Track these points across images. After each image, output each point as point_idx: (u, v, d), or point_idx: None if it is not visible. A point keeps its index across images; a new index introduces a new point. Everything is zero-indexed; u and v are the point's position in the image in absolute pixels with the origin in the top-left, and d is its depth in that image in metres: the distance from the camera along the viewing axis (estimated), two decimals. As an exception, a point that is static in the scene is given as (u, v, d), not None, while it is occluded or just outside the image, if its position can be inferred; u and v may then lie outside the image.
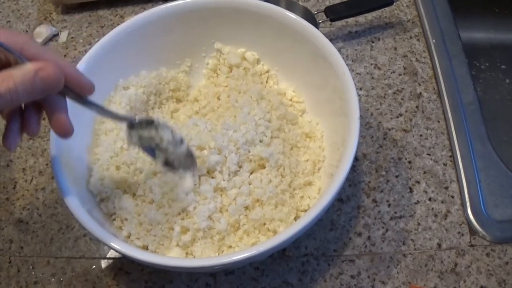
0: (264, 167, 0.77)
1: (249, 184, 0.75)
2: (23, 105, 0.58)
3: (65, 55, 1.05)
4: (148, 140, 0.68)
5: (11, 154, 0.92)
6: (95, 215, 0.69)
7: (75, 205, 0.66)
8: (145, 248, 0.72)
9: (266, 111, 0.81)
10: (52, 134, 0.69)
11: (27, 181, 0.89)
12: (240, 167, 0.77)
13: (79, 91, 0.59)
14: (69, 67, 0.57)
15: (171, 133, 0.69)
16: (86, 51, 0.79)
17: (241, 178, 0.75)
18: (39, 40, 1.06)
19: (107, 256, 0.82)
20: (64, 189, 0.66)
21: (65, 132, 0.59)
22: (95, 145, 0.79)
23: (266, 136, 0.78)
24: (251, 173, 0.77)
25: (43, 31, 1.07)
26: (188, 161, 0.72)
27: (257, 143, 0.78)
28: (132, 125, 0.67)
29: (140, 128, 0.68)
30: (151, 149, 0.70)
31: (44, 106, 0.58)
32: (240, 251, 0.63)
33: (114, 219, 0.74)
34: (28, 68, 0.51)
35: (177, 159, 0.70)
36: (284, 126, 0.82)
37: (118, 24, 0.82)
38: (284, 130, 0.81)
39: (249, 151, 0.77)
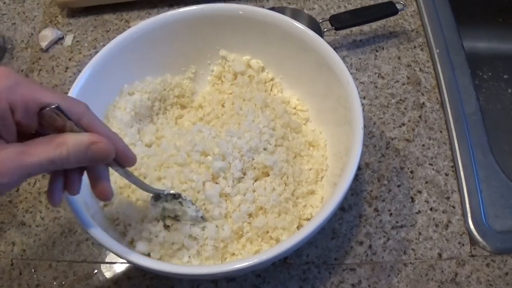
0: (268, 175, 0.77)
1: (253, 192, 0.75)
2: None
3: (70, 59, 1.05)
4: (170, 212, 0.73)
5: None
6: (98, 220, 0.69)
7: (78, 209, 0.66)
8: (148, 254, 0.72)
9: (270, 119, 0.82)
10: None
11: (30, 184, 0.90)
12: (244, 174, 0.77)
13: (123, 163, 0.62)
14: (118, 141, 0.59)
15: (195, 210, 0.72)
16: (91, 55, 0.80)
17: (245, 185, 0.76)
18: (44, 43, 1.06)
19: (109, 261, 0.82)
20: (67, 194, 0.66)
21: (106, 197, 0.61)
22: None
23: (270, 144, 0.79)
24: (255, 181, 0.77)
25: (48, 34, 1.07)
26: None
27: (261, 151, 0.78)
28: (158, 196, 0.71)
29: (165, 200, 0.72)
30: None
31: (88, 171, 0.60)
32: (243, 259, 0.63)
33: (118, 224, 0.74)
34: (83, 139, 0.53)
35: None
36: (288, 134, 0.82)
37: (124, 29, 0.83)
38: (288, 139, 0.82)
39: (253, 159, 0.77)
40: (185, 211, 0.71)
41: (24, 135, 0.52)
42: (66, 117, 0.52)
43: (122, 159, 0.61)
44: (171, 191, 0.71)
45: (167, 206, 0.72)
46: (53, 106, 0.51)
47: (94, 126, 0.56)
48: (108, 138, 0.56)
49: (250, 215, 0.74)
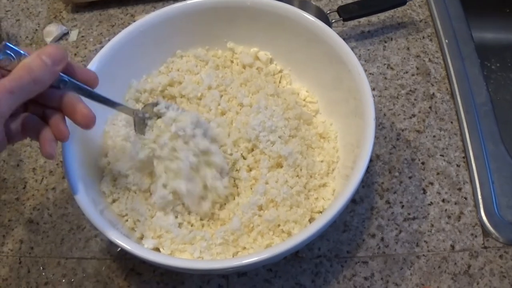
0: (281, 166, 0.77)
1: (266, 184, 0.74)
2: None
3: (75, 54, 1.05)
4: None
5: (21, 153, 0.92)
6: (107, 216, 0.68)
7: (87, 205, 0.65)
8: (158, 249, 0.71)
9: (283, 108, 0.81)
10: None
11: (37, 181, 0.89)
12: (257, 161, 0.77)
13: (86, 82, 0.63)
14: (72, 61, 0.61)
15: (175, 109, 0.72)
16: (96, 50, 0.80)
17: (259, 172, 0.76)
18: (49, 39, 1.05)
19: (119, 257, 0.81)
20: (76, 190, 0.66)
21: (89, 119, 0.61)
22: (106, 146, 0.79)
23: (284, 133, 0.78)
24: (269, 171, 0.76)
25: (53, 30, 1.07)
26: None
27: (277, 139, 0.77)
28: (138, 116, 0.71)
29: (147, 118, 0.72)
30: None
31: (63, 108, 0.61)
32: (254, 253, 0.62)
33: (127, 220, 0.74)
34: (33, 54, 0.56)
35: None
36: (300, 125, 0.81)
37: (129, 23, 0.82)
38: (300, 130, 0.81)
39: (269, 140, 0.77)
40: (169, 117, 0.71)
41: None
42: (16, 52, 0.55)
43: (82, 75, 0.62)
44: (148, 104, 0.72)
45: (153, 125, 0.72)
46: (3, 45, 0.55)
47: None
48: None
49: (260, 207, 0.74)
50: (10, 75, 0.54)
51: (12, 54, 0.55)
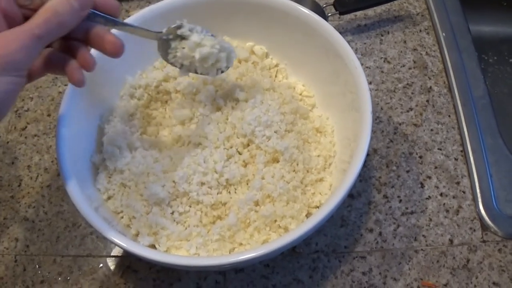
0: (278, 161, 0.76)
1: (262, 179, 0.74)
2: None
3: (69, 51, 1.04)
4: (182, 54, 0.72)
5: (16, 151, 0.91)
6: (102, 213, 0.68)
7: (81, 203, 0.65)
8: (154, 246, 0.71)
9: (280, 103, 0.81)
10: (59, 129, 0.69)
11: (32, 178, 0.88)
12: (252, 156, 0.76)
13: (109, 11, 0.62)
14: None
15: (200, 31, 0.72)
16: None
17: (255, 168, 0.75)
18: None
19: (115, 254, 0.81)
20: (70, 187, 0.66)
21: (119, 46, 0.62)
22: (100, 142, 0.78)
23: (280, 128, 0.77)
24: (265, 167, 0.76)
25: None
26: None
27: (272, 134, 0.76)
28: (165, 41, 0.71)
29: (171, 41, 0.72)
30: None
31: (90, 39, 0.61)
32: (250, 249, 0.62)
33: (122, 217, 0.73)
34: None
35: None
36: (297, 120, 0.81)
37: (124, 19, 0.81)
38: (297, 124, 0.80)
39: (265, 135, 0.76)
40: (193, 41, 0.71)
41: None
42: None
43: (105, 6, 0.62)
44: (172, 26, 0.71)
45: (177, 47, 0.72)
46: None
47: None
48: None
49: (256, 203, 0.73)
50: (37, 18, 0.53)
51: None
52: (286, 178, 0.74)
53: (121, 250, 0.80)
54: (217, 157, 0.74)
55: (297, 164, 0.76)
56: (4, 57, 0.51)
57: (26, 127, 0.94)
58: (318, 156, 0.79)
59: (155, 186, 0.71)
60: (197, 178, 0.73)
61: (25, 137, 0.92)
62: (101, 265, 0.80)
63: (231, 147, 0.76)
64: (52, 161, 0.90)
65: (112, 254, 0.81)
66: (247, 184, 0.75)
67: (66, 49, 0.61)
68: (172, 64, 0.73)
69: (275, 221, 0.71)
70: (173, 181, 0.73)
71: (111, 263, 0.80)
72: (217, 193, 0.74)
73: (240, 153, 0.77)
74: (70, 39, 0.60)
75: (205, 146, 0.75)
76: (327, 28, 0.78)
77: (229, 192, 0.74)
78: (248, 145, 0.77)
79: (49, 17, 0.53)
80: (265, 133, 0.76)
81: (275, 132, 0.76)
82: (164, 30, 0.70)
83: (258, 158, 0.75)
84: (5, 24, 0.55)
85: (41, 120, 0.94)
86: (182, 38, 0.71)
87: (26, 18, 0.55)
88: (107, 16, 0.62)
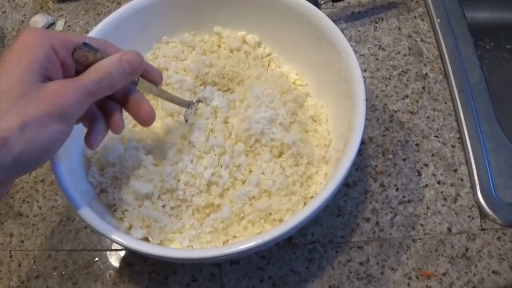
0: (281, 155, 0.75)
1: (262, 174, 0.73)
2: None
3: (61, 44, 1.03)
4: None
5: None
6: (95, 207, 0.67)
7: (74, 197, 0.64)
8: (147, 239, 0.70)
9: (280, 92, 0.80)
10: None
11: (26, 173, 0.88)
12: (257, 154, 0.75)
13: (152, 79, 0.66)
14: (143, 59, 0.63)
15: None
16: (83, 39, 0.78)
17: (256, 163, 0.74)
18: (35, 29, 1.04)
19: (109, 248, 0.80)
20: (62, 182, 0.65)
21: (152, 118, 0.64)
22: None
23: (285, 120, 0.76)
24: (267, 162, 0.74)
25: (39, 20, 1.05)
26: None
27: (277, 126, 0.75)
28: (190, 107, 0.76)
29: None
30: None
31: (128, 104, 0.64)
32: (245, 240, 0.61)
33: (115, 210, 0.73)
34: (113, 57, 0.58)
35: None
36: (297, 109, 0.80)
37: (116, 10, 0.80)
38: (297, 114, 0.80)
39: (273, 132, 0.75)
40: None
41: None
42: (94, 49, 0.58)
43: (151, 74, 0.66)
44: (198, 96, 0.77)
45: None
46: (82, 43, 0.58)
47: (119, 50, 0.61)
48: (134, 51, 0.61)
49: (252, 197, 0.72)
50: (91, 75, 0.56)
51: (89, 50, 0.58)
52: (287, 173, 0.73)
53: (116, 244, 0.79)
54: (206, 163, 0.73)
55: (301, 157, 0.75)
56: (63, 108, 0.53)
57: (19, 121, 0.93)
58: (316, 146, 0.78)
59: (137, 183, 0.70)
60: (185, 177, 0.72)
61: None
62: (96, 259, 0.80)
63: (223, 153, 0.75)
64: (45, 156, 0.89)
65: (107, 248, 0.80)
66: (243, 184, 0.74)
67: (101, 106, 0.63)
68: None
69: (270, 214, 0.71)
70: (161, 175, 0.72)
71: (106, 257, 0.80)
72: (208, 195, 0.72)
73: (246, 154, 0.76)
74: (108, 98, 0.62)
75: (193, 147, 0.75)
76: (319, 15, 0.77)
77: (222, 196, 0.73)
78: (255, 142, 0.76)
79: (102, 76, 0.56)
80: (272, 130, 0.75)
81: (279, 124, 0.75)
82: (195, 100, 0.77)
83: (263, 155, 0.74)
84: (61, 74, 0.57)
85: (34, 115, 0.94)
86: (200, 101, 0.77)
87: (77, 72, 0.58)
88: (152, 83, 0.66)
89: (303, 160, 0.75)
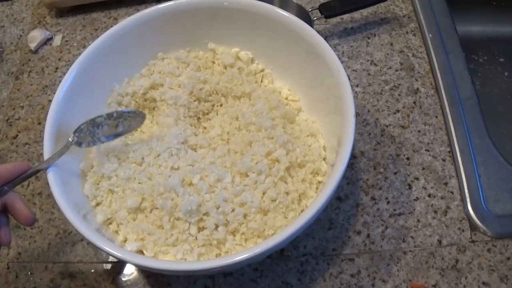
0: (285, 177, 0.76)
1: (263, 194, 0.73)
2: None
3: (59, 59, 1.05)
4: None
5: (7, 159, 0.92)
6: (91, 220, 0.68)
7: (70, 211, 0.65)
8: (142, 252, 0.71)
9: (268, 108, 0.81)
10: (45, 140, 0.70)
11: (23, 186, 0.89)
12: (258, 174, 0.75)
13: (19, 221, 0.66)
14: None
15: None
16: (80, 54, 0.79)
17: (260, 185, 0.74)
18: (33, 44, 1.05)
19: (105, 260, 0.81)
20: (58, 195, 0.66)
21: (30, 220, 0.65)
22: (89, 151, 0.79)
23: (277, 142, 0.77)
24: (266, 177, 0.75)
25: (37, 35, 1.06)
26: None
27: (277, 149, 0.76)
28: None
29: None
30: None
31: (7, 209, 0.65)
32: (238, 253, 0.62)
33: (110, 223, 0.74)
34: None
35: None
36: (287, 125, 0.81)
37: (113, 27, 0.81)
38: (287, 129, 0.80)
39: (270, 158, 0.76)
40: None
41: None
42: None
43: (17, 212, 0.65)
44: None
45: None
46: None
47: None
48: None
49: (247, 215, 0.73)
50: None
51: None
52: (289, 190, 0.74)
53: (111, 256, 0.80)
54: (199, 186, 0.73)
55: (296, 174, 0.76)
56: None
57: (17, 135, 0.95)
58: (311, 161, 0.79)
59: (132, 197, 0.72)
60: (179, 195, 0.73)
61: (16, 146, 0.93)
62: (92, 271, 0.80)
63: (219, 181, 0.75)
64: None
65: (102, 260, 0.81)
66: (242, 207, 0.74)
67: None
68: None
69: (264, 230, 0.72)
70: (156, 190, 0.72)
71: (102, 269, 0.80)
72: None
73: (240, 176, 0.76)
74: None
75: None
76: (310, 32, 0.78)
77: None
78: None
79: None
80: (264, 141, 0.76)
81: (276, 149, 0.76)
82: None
83: (263, 176, 0.74)
84: None
85: (32, 129, 0.95)
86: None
87: None
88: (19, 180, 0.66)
89: (306, 176, 0.76)
